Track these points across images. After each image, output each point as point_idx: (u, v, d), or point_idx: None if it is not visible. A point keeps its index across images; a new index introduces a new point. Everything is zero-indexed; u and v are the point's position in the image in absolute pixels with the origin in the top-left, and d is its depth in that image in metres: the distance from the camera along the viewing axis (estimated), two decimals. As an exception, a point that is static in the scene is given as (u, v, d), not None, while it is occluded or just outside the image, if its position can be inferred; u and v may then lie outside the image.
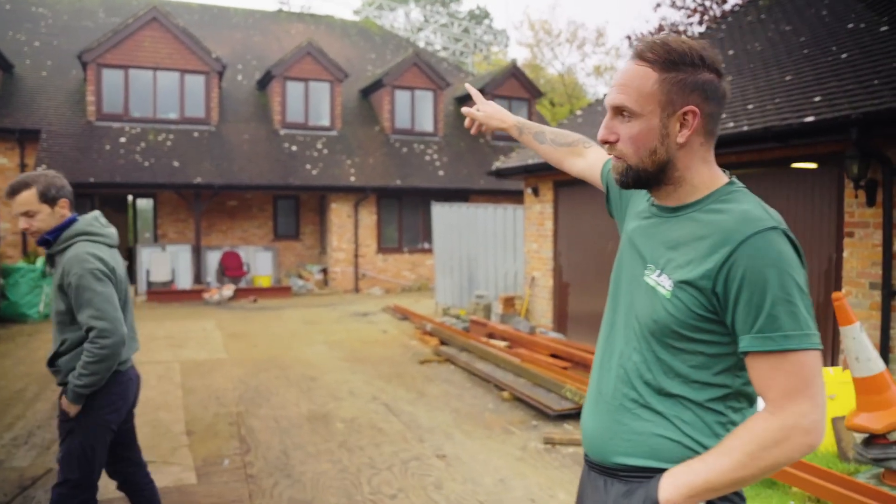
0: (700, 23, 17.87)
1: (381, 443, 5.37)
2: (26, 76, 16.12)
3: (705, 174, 1.46)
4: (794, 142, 5.88)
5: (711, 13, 17.72)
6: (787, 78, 6.65)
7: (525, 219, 10.92)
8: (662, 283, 1.41)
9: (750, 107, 6.45)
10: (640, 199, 1.64)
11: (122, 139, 15.17)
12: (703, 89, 1.40)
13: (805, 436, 1.27)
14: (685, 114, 1.40)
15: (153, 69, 15.77)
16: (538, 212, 10.36)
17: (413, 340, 10.05)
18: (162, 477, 4.59)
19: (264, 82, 17.80)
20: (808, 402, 1.27)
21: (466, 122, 2.25)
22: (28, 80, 16.02)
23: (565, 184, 9.60)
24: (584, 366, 7.16)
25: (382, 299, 15.14)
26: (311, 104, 17.44)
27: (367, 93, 19.04)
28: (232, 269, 15.76)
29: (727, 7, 17.08)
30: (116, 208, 19.36)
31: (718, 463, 1.30)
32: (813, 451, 1.29)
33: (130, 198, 17.94)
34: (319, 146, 16.98)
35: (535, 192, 10.35)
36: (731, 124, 6.28)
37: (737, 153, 6.48)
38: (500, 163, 11.26)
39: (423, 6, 40.46)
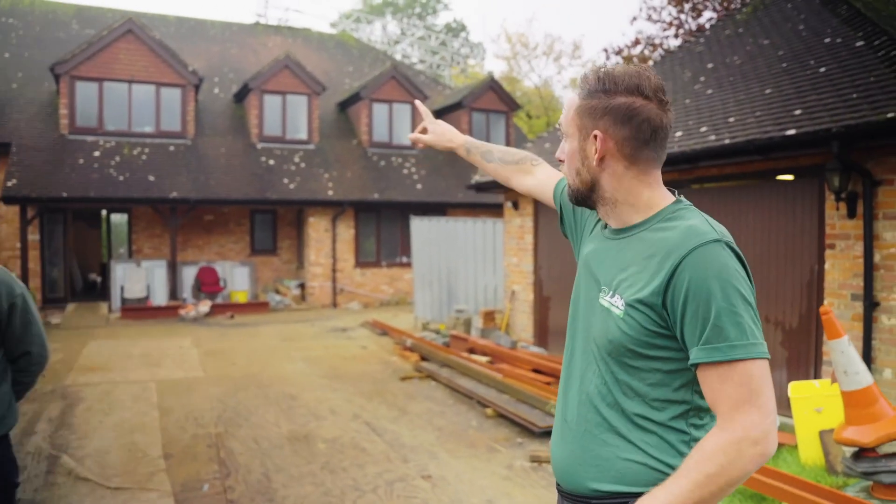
0: (676, 36, 18.06)
1: (365, 463, 5.25)
2: (-4, 89, 15.80)
3: (644, 195, 1.49)
4: (776, 154, 5.90)
5: (687, 27, 17.92)
6: (767, 91, 6.69)
7: (505, 232, 10.88)
8: (615, 303, 1.44)
9: (731, 119, 6.47)
10: (593, 224, 1.69)
11: (97, 153, 14.91)
12: (614, 114, 1.45)
13: (755, 446, 1.27)
14: (593, 137, 1.47)
15: (128, 82, 15.54)
16: (518, 225, 10.33)
17: (393, 356, 9.93)
18: (138, 504, 4.45)
19: (241, 95, 17.65)
20: (756, 412, 1.29)
21: (412, 140, 2.25)
22: (-2, 93, 15.71)
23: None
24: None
25: (361, 314, 15.00)
26: (288, 117, 17.31)
27: (344, 106, 18.96)
28: (208, 284, 15.52)
29: (702, 21, 17.31)
30: (89, 223, 19.05)
31: (678, 487, 1.29)
32: (766, 460, 1.30)
33: (104, 212, 17.63)
34: (297, 160, 16.85)
35: (515, 205, 10.32)
36: (713, 137, 6.30)
37: (718, 166, 6.50)
38: (479, 176, 11.23)
39: (400, 19, 40.55)
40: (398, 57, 32.23)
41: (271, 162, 16.51)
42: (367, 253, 17.26)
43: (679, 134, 6.86)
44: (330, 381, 8.25)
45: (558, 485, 1.60)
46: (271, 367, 9.16)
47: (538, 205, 9.93)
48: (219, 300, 15.44)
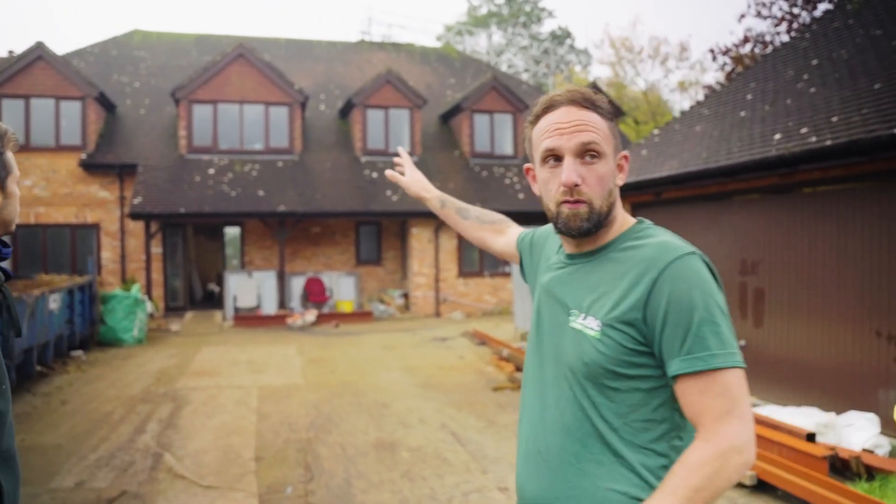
0: (788, 32, 17.06)
1: (445, 473, 5.27)
2: (127, 115, 17.15)
3: (620, 215, 1.53)
4: (884, 154, 5.47)
5: (801, 20, 16.93)
6: (877, 86, 6.22)
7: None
8: (589, 324, 1.42)
9: (834, 119, 6.06)
10: (550, 253, 1.69)
11: (211, 170, 15.86)
12: (618, 136, 1.53)
13: (739, 455, 1.27)
14: (623, 157, 1.53)
15: (239, 103, 16.46)
16: (616, 233, 10.07)
17: (489, 367, 9.92)
18: (225, 503, 4.66)
19: (346, 111, 18.25)
20: (738, 422, 1.29)
21: (388, 176, 2.29)
22: (128, 119, 17.04)
23: (643, 205, 9.32)
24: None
25: (462, 324, 15.08)
26: (391, 131, 17.73)
27: (446, 118, 19.21)
28: (315, 294, 16.10)
29: (818, 14, 16.29)
30: (209, 236, 20.24)
31: None
32: (749, 468, 1.29)
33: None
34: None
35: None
36: (814, 139, 5.92)
37: (821, 169, 6.09)
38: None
39: (505, 29, 40.68)
40: (503, 67, 32.36)
41: (375, 175, 16.94)
42: (469, 263, 17.36)
43: (777, 136, 6.50)
44: (423, 391, 8.35)
45: None
46: (369, 375, 9.37)
47: (635, 214, 9.67)
48: (325, 310, 15.98)
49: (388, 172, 2.27)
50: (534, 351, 1.58)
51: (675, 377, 1.33)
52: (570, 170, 1.43)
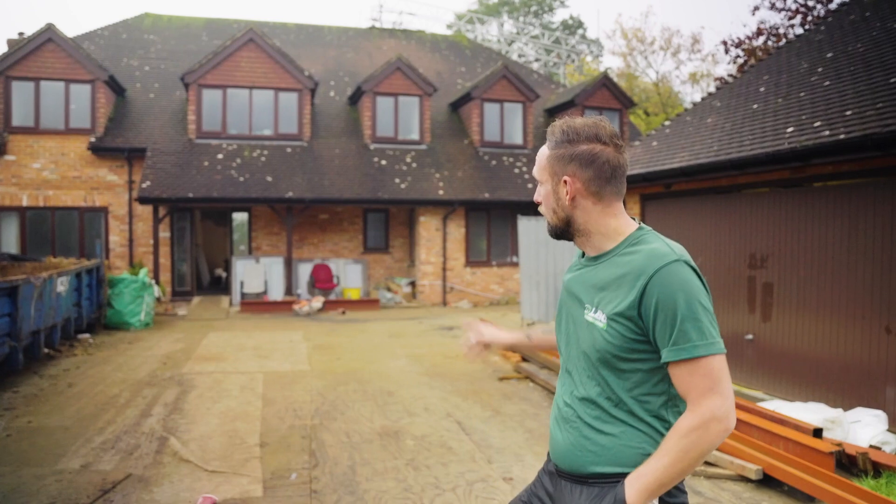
0: (802, 25, 16.88)
1: (449, 462, 5.27)
2: (136, 98, 17.15)
3: (611, 225, 1.80)
4: (899, 149, 5.39)
5: (815, 13, 16.73)
6: (893, 80, 6.14)
7: (611, 232, 10.56)
8: (598, 318, 1.73)
9: (848, 113, 5.98)
10: (574, 260, 1.98)
11: (220, 155, 15.84)
12: (578, 160, 1.76)
13: (719, 423, 1.58)
14: (563, 181, 1.79)
15: (249, 88, 16.42)
16: (624, 225, 10.00)
17: (495, 356, 9.91)
18: (229, 488, 4.67)
19: (355, 98, 18.19)
20: (718, 396, 1.59)
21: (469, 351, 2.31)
22: (138, 102, 17.04)
23: (652, 197, 9.26)
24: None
25: (469, 313, 15.08)
26: (400, 118, 17.68)
27: (456, 106, 19.13)
28: (322, 281, 16.11)
29: (833, 6, 16.09)
30: (217, 221, 20.26)
31: (660, 463, 1.61)
32: (728, 434, 1.60)
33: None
34: (408, 160, 17.16)
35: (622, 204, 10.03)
36: (827, 132, 5.85)
37: (834, 163, 6.03)
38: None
39: (516, 18, 40.42)
40: (514, 56, 32.16)
41: (383, 162, 16.90)
42: (477, 252, 17.34)
43: (790, 129, 6.42)
44: (429, 379, 8.34)
45: (557, 467, 1.86)
46: (374, 363, 9.38)
47: (645, 205, 9.61)
48: (332, 296, 15.99)
49: (467, 323, 2.34)
50: (560, 337, 1.92)
51: (667, 363, 1.65)
52: (537, 191, 1.90)
